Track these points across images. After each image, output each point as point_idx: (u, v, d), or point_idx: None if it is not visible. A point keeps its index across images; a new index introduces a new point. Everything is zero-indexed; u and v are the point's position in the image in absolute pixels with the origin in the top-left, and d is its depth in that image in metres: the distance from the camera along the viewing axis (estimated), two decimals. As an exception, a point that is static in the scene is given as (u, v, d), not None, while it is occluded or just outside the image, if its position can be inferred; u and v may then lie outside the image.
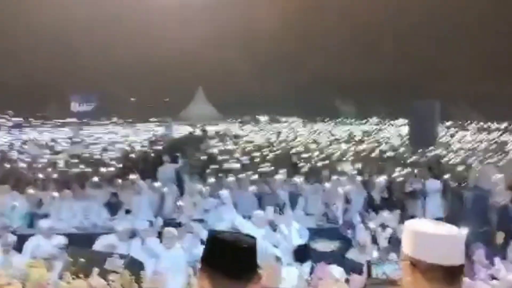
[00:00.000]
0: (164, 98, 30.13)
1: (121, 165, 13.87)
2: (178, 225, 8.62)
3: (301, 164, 14.27)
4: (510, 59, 23.55)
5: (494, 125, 23.86)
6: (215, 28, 28.69)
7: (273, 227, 8.12)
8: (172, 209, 9.87)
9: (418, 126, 8.04)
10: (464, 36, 25.33)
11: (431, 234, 1.64)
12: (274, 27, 28.98)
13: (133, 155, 16.61)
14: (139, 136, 24.12)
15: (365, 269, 4.36)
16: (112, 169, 13.54)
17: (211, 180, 11.19)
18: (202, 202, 9.77)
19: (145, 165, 14.33)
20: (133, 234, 7.27)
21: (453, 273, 1.62)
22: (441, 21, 25.35)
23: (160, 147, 17.62)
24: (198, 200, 9.74)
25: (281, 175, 11.59)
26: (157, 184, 10.40)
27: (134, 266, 4.62)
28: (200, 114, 23.72)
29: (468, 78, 24.48)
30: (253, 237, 1.70)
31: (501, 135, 21.37)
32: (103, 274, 4.30)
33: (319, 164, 14.18)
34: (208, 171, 13.01)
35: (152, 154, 16.32)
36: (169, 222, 8.83)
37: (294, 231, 7.76)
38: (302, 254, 5.56)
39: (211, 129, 24.56)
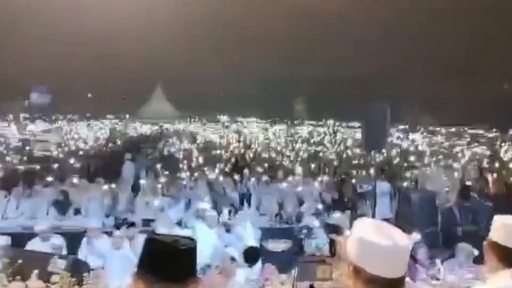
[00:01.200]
0: (122, 95, 29.57)
1: (74, 163, 13.46)
2: (130, 224, 8.49)
3: (257, 164, 14.33)
4: (462, 64, 24.58)
5: (444, 129, 24.88)
6: (177, 26, 28.37)
7: (227, 227, 8.14)
8: (125, 208, 9.67)
9: (370, 129, 8.27)
10: (419, 42, 26.22)
11: (378, 245, 1.58)
12: (235, 27, 29.00)
13: (88, 153, 16.19)
14: (96, 133, 23.55)
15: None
16: (64, 166, 13.10)
17: (166, 179, 11.04)
18: (156, 201, 9.63)
19: (100, 163, 14.02)
20: (81, 235, 7.06)
21: (395, 284, 1.61)
22: (395, 26, 26.11)
23: (115, 145, 17.23)
24: (151, 199, 9.59)
25: (237, 175, 11.63)
26: (109, 183, 10.16)
27: (78, 267, 4.48)
28: (158, 112, 23.42)
29: (421, 82, 25.40)
30: (192, 239, 1.65)
31: (450, 138, 22.31)
32: (45, 276, 4.14)
33: (275, 164, 14.29)
34: (164, 169, 12.83)
35: (109, 152, 15.99)
36: (121, 222, 8.68)
37: (248, 231, 7.81)
38: (251, 255, 5.58)
39: (169, 127, 24.30)
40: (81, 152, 16.08)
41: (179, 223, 8.50)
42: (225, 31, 29.22)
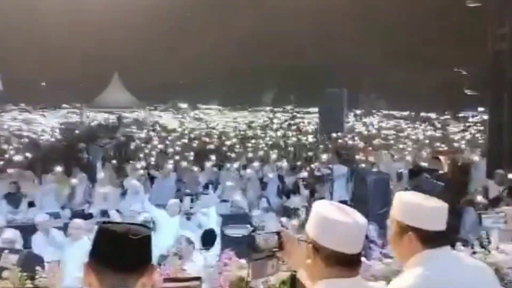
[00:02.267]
0: (77, 84, 28.64)
1: (28, 155, 13.01)
2: (88, 216, 8.33)
3: (220, 151, 14.34)
4: (415, 52, 25.36)
5: (399, 113, 25.66)
6: (133, 13, 27.64)
7: (188, 216, 8.13)
8: (82, 200, 9.49)
9: (327, 114, 8.52)
10: (373, 30, 26.80)
11: (340, 221, 1.66)
12: (192, 12, 28.57)
13: (42, 144, 15.69)
14: (50, 123, 22.80)
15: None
16: (17, 158, 12.64)
17: (126, 169, 10.88)
18: (115, 192, 9.49)
19: (56, 154, 13.60)
20: (36, 228, 6.87)
21: (353, 260, 1.68)
22: (351, 14, 26.53)
23: (71, 135, 16.77)
24: (110, 190, 9.43)
25: (199, 163, 11.63)
26: (66, 175, 9.92)
27: (31, 262, 4.35)
28: (116, 101, 22.79)
29: (376, 69, 26.04)
30: (147, 227, 1.62)
31: (405, 122, 23.07)
32: (-4, 272, 3.99)
33: (237, 151, 14.34)
34: (123, 159, 12.64)
35: (64, 143, 15.56)
36: (78, 214, 8.51)
37: (212, 217, 7.82)
38: (208, 238, 5.65)
39: (127, 116, 23.80)
40: (35, 143, 15.55)
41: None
42: (183, 18, 28.76)
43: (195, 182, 10.28)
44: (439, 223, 1.94)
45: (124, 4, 27.65)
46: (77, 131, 17.96)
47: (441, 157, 10.98)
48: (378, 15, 26.05)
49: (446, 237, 1.99)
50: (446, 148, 12.70)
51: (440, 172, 8.73)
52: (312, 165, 10.71)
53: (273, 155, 12.08)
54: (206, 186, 10.28)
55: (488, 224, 3.03)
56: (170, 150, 14.76)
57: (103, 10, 27.60)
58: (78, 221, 6.58)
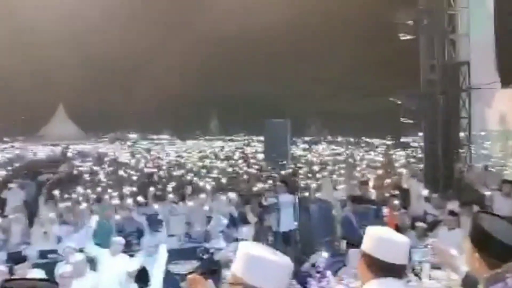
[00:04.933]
0: (20, 116, 27.58)
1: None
2: (23, 259, 7.87)
3: (167, 182, 14.10)
4: (355, 81, 26.52)
5: (345, 139, 26.42)
6: (76, 44, 27.16)
7: (131, 254, 7.83)
8: (19, 241, 8.95)
9: (272, 142, 8.70)
10: (315, 61, 27.84)
11: (270, 259, 1.69)
12: (138, 43, 28.47)
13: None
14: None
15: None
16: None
17: (67, 205, 10.45)
18: (55, 230, 9.04)
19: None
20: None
21: None
22: (294, 47, 27.48)
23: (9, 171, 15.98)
24: (49, 229, 8.98)
25: (146, 196, 11.35)
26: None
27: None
28: (61, 133, 22.07)
29: (321, 99, 26.98)
30: (52, 283, 1.62)
31: (350, 148, 23.72)
32: None
33: (186, 181, 14.16)
34: (65, 195, 12.15)
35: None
36: (14, 256, 8.03)
37: (161, 255, 7.56)
38: (140, 278, 5.50)
39: (73, 148, 23.04)
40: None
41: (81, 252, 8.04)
42: (130, 49, 28.55)
43: (140, 217, 9.95)
44: (398, 257, 2.14)
45: (70, 33, 27.15)
46: (17, 166, 17.13)
47: (384, 181, 11.32)
48: (319, 49, 27.10)
49: (398, 270, 2.15)
50: (387, 173, 13.10)
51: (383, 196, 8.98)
52: (261, 194, 10.71)
53: (222, 185, 12.00)
54: (157, 222, 9.95)
55: (417, 258, 3.16)
56: (117, 183, 14.36)
57: (47, 41, 26.93)
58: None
